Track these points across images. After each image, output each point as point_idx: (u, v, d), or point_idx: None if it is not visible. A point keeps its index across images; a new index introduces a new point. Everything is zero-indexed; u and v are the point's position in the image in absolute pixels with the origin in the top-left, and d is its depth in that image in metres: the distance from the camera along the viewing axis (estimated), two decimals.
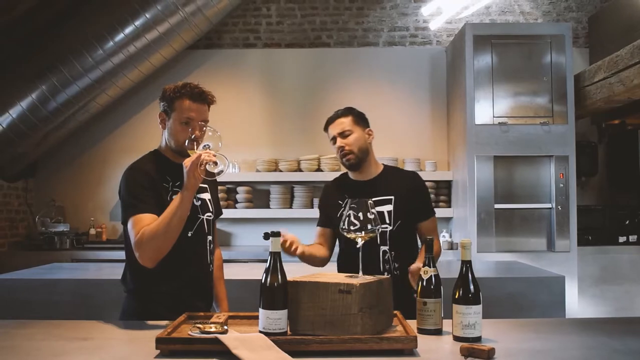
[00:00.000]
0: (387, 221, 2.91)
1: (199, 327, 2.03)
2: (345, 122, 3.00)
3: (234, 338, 1.93)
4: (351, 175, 3.09)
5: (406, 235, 2.95)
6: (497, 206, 5.57)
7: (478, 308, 2.12)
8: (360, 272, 2.24)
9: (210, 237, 2.71)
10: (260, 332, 2.01)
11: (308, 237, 6.22)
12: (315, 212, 6.03)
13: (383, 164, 3.12)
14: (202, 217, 2.65)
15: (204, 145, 2.41)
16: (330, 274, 2.23)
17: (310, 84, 6.58)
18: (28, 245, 6.18)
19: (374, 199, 2.82)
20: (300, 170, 6.29)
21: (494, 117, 5.65)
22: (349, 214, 2.31)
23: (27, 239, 6.31)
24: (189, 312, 2.35)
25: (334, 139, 3.01)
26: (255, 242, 6.20)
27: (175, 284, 2.55)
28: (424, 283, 2.22)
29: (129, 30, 5.57)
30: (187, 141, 2.43)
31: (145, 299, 2.56)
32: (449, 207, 6.25)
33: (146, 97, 6.47)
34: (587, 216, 6.00)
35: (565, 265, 5.40)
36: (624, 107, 5.77)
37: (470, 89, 5.66)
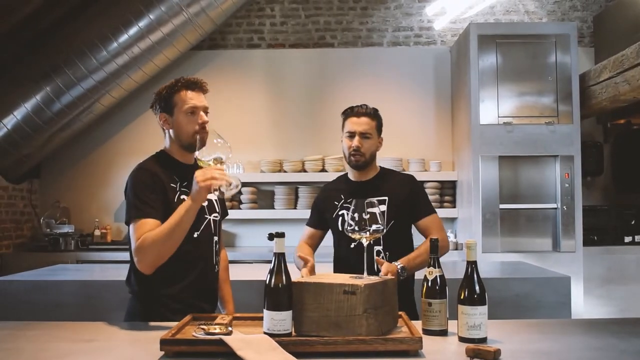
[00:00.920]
0: (380, 222, 2.89)
1: (203, 329, 2.02)
2: (371, 125, 3.01)
3: (239, 339, 1.92)
4: (350, 175, 3.13)
5: (400, 236, 2.97)
6: (502, 206, 5.56)
7: (484, 309, 2.11)
8: (365, 273, 2.24)
9: (216, 238, 2.70)
10: (265, 333, 2.01)
11: None
12: None
13: (380, 166, 3.15)
14: (209, 217, 2.65)
15: (216, 157, 2.39)
16: (334, 274, 2.23)
17: (314, 84, 6.57)
18: (33, 247, 6.19)
19: (368, 200, 2.83)
20: (304, 170, 6.29)
21: (498, 117, 5.63)
22: (354, 215, 2.29)
23: (32, 241, 6.31)
24: (194, 313, 2.34)
25: (351, 134, 3.01)
26: (259, 243, 6.20)
27: (180, 286, 2.55)
28: (429, 284, 2.21)
29: (133, 31, 5.58)
30: (196, 152, 2.42)
31: (150, 300, 2.55)
32: (454, 207, 6.23)
33: (150, 99, 6.34)
34: (593, 216, 5.98)
35: (570, 266, 5.38)
36: (629, 107, 5.75)
37: (474, 89, 5.65)
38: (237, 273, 2.97)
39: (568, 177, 5.56)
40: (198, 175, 2.34)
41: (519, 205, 5.61)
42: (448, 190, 6.30)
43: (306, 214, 6.07)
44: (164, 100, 2.59)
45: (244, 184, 6.29)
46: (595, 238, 5.91)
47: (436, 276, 2.21)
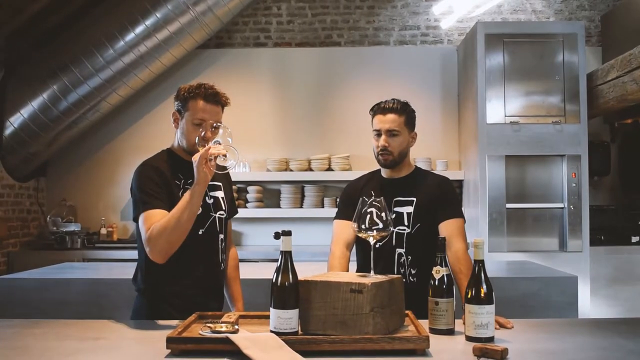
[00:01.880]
0: (406, 223, 2.80)
1: (209, 327, 2.02)
2: (398, 121, 2.84)
3: (245, 338, 1.92)
4: (382, 171, 2.98)
5: (426, 241, 2.73)
6: (508, 206, 5.54)
7: (491, 308, 2.10)
8: (372, 272, 2.23)
9: (222, 236, 2.69)
10: (272, 331, 2.01)
11: (318, 236, 6.27)
12: (325, 212, 6.15)
13: (415, 165, 3.02)
14: (214, 215, 2.65)
15: (214, 142, 2.40)
16: (341, 273, 2.22)
17: (320, 83, 6.57)
18: (39, 245, 6.20)
19: (396, 199, 2.81)
20: (310, 169, 6.28)
21: (505, 116, 5.61)
22: (363, 211, 2.27)
23: (39, 239, 6.32)
24: (200, 311, 2.34)
25: (378, 132, 2.86)
26: (265, 242, 6.20)
27: (185, 283, 2.55)
28: (436, 283, 2.20)
29: (139, 29, 5.58)
30: (197, 138, 2.43)
31: (156, 298, 2.56)
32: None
33: (157, 97, 6.48)
34: (600, 216, 5.96)
35: (577, 266, 5.36)
36: (637, 106, 5.72)
37: (481, 88, 5.63)
38: (244, 272, 2.96)
39: (575, 176, 5.54)
40: (195, 155, 2.35)
41: (526, 205, 5.59)
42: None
43: (312, 212, 6.23)
44: (180, 101, 2.59)
45: (250, 183, 6.31)
46: (602, 238, 5.88)
47: (443, 275, 2.21)
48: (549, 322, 2.53)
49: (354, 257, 2.93)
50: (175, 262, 2.46)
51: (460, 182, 6.29)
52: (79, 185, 6.59)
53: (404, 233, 2.80)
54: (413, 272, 2.80)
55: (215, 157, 2.32)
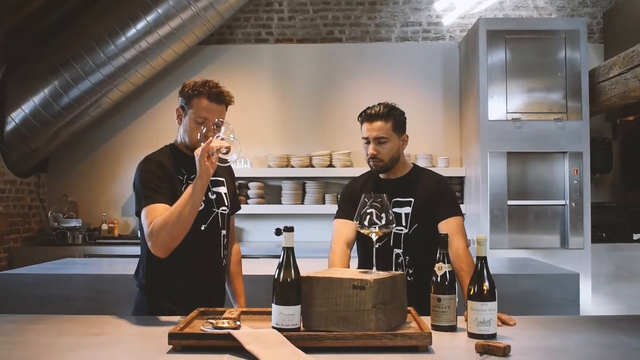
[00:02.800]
0: (404, 223, 2.79)
1: (211, 323, 2.02)
2: (384, 128, 2.80)
3: (247, 334, 1.92)
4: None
5: (423, 241, 2.74)
6: (510, 203, 5.53)
7: (493, 305, 2.10)
8: (374, 268, 2.22)
9: (224, 232, 2.69)
10: (273, 327, 2.00)
11: (319, 232, 6.28)
12: (327, 208, 6.16)
13: (413, 164, 2.99)
14: (216, 210, 2.64)
15: (216, 136, 2.39)
16: (344, 269, 2.22)
17: (322, 79, 6.56)
18: (40, 241, 6.21)
19: (394, 200, 2.81)
20: (312, 166, 6.28)
21: (507, 113, 5.60)
22: (365, 209, 2.27)
23: (40, 234, 6.33)
24: (201, 307, 2.34)
25: (367, 140, 2.84)
26: (267, 238, 6.20)
27: (187, 279, 2.55)
28: (438, 279, 2.20)
29: (140, 25, 5.57)
30: (199, 135, 2.43)
31: (157, 294, 2.56)
32: (462, 203, 6.20)
33: (158, 93, 6.47)
34: (601, 213, 5.95)
35: (578, 263, 5.36)
36: (639, 103, 5.71)
37: (483, 85, 5.62)
38: (245, 268, 2.96)
39: (577, 173, 5.54)
40: (197, 149, 2.35)
41: (527, 202, 5.58)
42: (456, 186, 6.28)
43: (314, 209, 6.22)
44: (184, 97, 2.58)
45: (252, 179, 6.30)
46: (604, 235, 5.88)
47: (445, 272, 2.20)
48: (551, 319, 2.52)
49: (354, 255, 2.91)
50: (177, 257, 2.45)
51: (461, 179, 6.29)
52: (80, 181, 6.59)
53: (401, 233, 2.79)
54: (411, 272, 2.80)
55: (217, 150, 2.32)
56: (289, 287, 2.02)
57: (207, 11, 5.68)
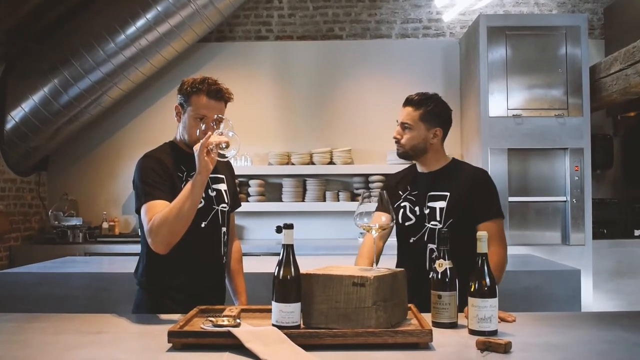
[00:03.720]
0: (438, 218, 2.72)
1: (211, 321, 2.01)
2: (412, 115, 2.78)
3: (247, 331, 1.91)
4: (417, 165, 2.92)
5: (459, 237, 2.49)
6: (511, 199, 5.52)
7: (494, 301, 2.09)
8: (375, 265, 2.22)
9: (224, 229, 2.68)
10: (273, 325, 2.00)
11: (320, 230, 6.27)
12: (327, 205, 6.16)
13: (452, 158, 2.91)
14: (216, 208, 2.64)
15: (215, 132, 2.38)
16: (344, 266, 2.20)
17: (322, 76, 6.55)
18: (41, 239, 6.21)
19: (429, 194, 2.79)
20: (312, 163, 6.27)
21: (508, 109, 5.59)
22: (361, 205, 2.26)
23: (40, 233, 6.33)
24: (201, 305, 2.33)
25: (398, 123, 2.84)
26: (267, 236, 6.19)
27: (187, 276, 2.54)
28: (439, 276, 2.19)
29: (140, 23, 5.57)
30: (197, 132, 2.42)
31: (157, 291, 2.55)
32: None
33: (158, 91, 6.47)
34: (602, 209, 5.94)
35: (580, 259, 5.35)
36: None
37: (484, 81, 5.61)
38: (245, 266, 2.95)
39: (578, 170, 5.53)
40: (196, 144, 2.34)
41: (528, 198, 5.58)
42: None
43: (314, 206, 6.22)
44: (183, 95, 2.57)
45: (252, 177, 6.29)
46: (605, 231, 5.87)
47: (446, 268, 2.19)
48: (552, 316, 2.52)
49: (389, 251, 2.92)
50: (177, 255, 2.44)
51: None
52: (81, 180, 6.59)
53: (435, 228, 2.71)
54: None
55: (217, 146, 2.31)
56: (289, 284, 2.01)
57: (206, 9, 5.67)
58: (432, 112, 2.80)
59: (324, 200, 6.22)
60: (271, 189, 6.42)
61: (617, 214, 6.05)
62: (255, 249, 5.66)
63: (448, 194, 2.74)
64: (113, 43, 5.61)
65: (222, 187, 2.70)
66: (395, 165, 5.87)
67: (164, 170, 2.50)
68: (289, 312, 1.99)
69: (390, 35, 6.62)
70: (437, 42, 6.59)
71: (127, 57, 5.68)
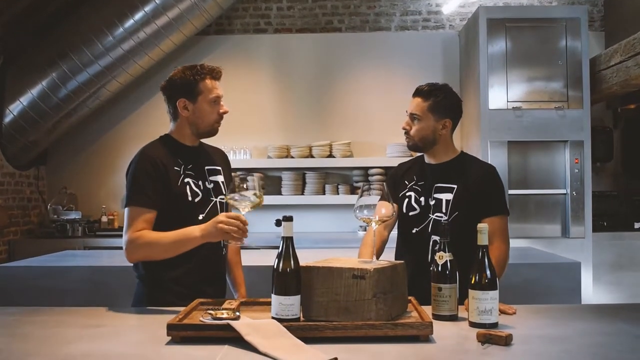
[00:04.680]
0: (444, 210, 2.70)
1: (210, 314, 2.00)
2: (420, 106, 2.74)
3: (246, 324, 1.91)
4: (425, 156, 2.88)
5: (463, 231, 2.49)
6: (511, 192, 5.52)
7: (495, 294, 2.08)
8: (374, 258, 2.21)
9: None
10: (273, 318, 1.99)
11: (319, 223, 6.25)
12: (327, 199, 6.14)
13: (461, 151, 2.89)
14: (214, 199, 2.63)
15: (243, 197, 2.34)
16: (344, 259, 2.19)
17: (321, 69, 6.53)
18: (40, 233, 6.21)
19: (436, 185, 2.77)
20: (312, 156, 6.26)
21: (508, 102, 5.58)
22: (360, 198, 2.24)
23: (39, 227, 6.32)
24: (200, 297, 2.33)
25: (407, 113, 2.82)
26: (267, 229, 6.18)
27: (186, 269, 2.54)
28: (439, 268, 2.18)
29: (138, 16, 5.55)
30: (230, 189, 2.37)
31: (156, 284, 2.55)
32: None
33: (156, 84, 6.31)
34: (602, 202, 5.94)
35: (579, 252, 5.35)
36: None
37: (483, 74, 5.60)
38: (245, 259, 2.95)
39: (578, 162, 5.52)
40: (222, 219, 2.33)
41: (528, 191, 5.57)
42: None
43: (314, 199, 6.21)
44: (188, 86, 2.56)
45: (252, 170, 6.28)
46: (605, 224, 5.87)
47: (446, 260, 2.19)
48: (553, 308, 2.51)
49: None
50: None
51: None
52: (80, 173, 6.58)
53: (440, 220, 2.68)
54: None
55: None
56: (289, 277, 2.01)
57: (205, 1, 5.65)
58: (442, 103, 2.76)
59: (324, 194, 6.21)
60: (270, 182, 6.41)
61: (617, 206, 6.05)
62: (254, 242, 5.64)
63: (455, 186, 2.73)
64: (111, 36, 5.59)
65: (220, 178, 2.70)
66: (395, 158, 5.88)
67: (158, 172, 2.50)
68: (289, 304, 1.98)
69: (390, 27, 6.60)
70: (436, 34, 6.57)
71: (125, 50, 5.67)
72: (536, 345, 1.88)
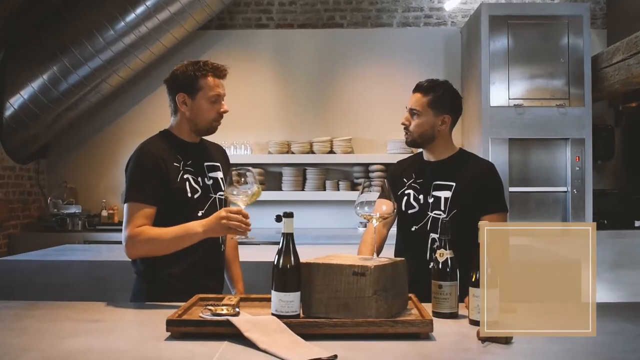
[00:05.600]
0: (442, 208, 2.69)
1: (210, 309, 2.00)
2: (420, 101, 2.73)
3: (246, 320, 1.90)
4: (423, 154, 2.87)
5: (462, 229, 2.44)
6: (512, 189, 5.51)
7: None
8: (375, 255, 2.20)
9: None
10: (273, 314, 1.98)
11: (320, 219, 6.24)
12: (327, 195, 6.14)
13: (460, 148, 2.87)
14: (213, 196, 2.63)
15: (241, 191, 2.34)
16: (344, 255, 2.19)
17: (323, 65, 6.52)
18: (40, 227, 6.20)
19: (435, 183, 2.77)
20: (312, 152, 6.25)
21: (509, 99, 5.57)
22: (361, 195, 2.23)
23: (39, 221, 6.32)
24: (199, 293, 2.32)
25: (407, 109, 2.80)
26: (267, 225, 6.13)
27: (185, 265, 2.53)
28: (440, 266, 2.17)
29: (140, 10, 5.53)
30: (227, 184, 2.36)
31: (155, 280, 2.54)
32: None
33: (157, 79, 6.38)
34: (603, 200, 5.92)
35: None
36: None
37: (485, 71, 5.58)
38: (245, 254, 2.94)
39: (579, 160, 5.51)
40: (225, 215, 2.34)
41: (529, 189, 5.56)
42: None
43: (314, 195, 6.20)
44: (188, 81, 2.55)
45: (252, 165, 6.26)
46: (606, 222, 5.85)
47: (447, 258, 2.18)
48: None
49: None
50: None
51: None
52: (80, 167, 6.57)
53: (439, 218, 2.68)
54: None
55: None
56: (289, 273, 2.00)
57: None
58: (441, 98, 2.75)
59: (324, 190, 6.20)
60: (271, 178, 6.40)
61: (617, 204, 6.03)
62: (256, 237, 5.63)
63: (454, 184, 2.71)
64: (112, 30, 5.58)
65: (219, 175, 2.69)
66: (396, 154, 5.86)
67: (158, 168, 2.49)
68: (289, 301, 1.97)
69: (392, 24, 6.58)
70: (438, 31, 6.55)
71: (126, 44, 5.65)
72: (537, 344, 1.87)
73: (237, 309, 2.03)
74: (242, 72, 6.33)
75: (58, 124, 6.08)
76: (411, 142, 2.81)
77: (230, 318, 1.91)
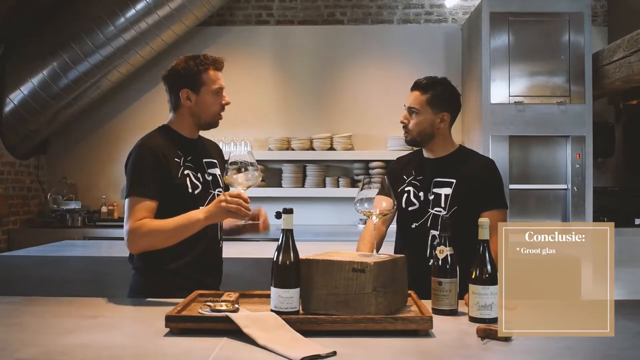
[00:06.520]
0: (443, 205, 2.69)
1: (209, 305, 2.00)
2: (419, 100, 2.73)
3: (245, 317, 1.90)
4: (423, 151, 2.87)
5: (462, 226, 2.45)
6: (512, 186, 5.50)
7: (495, 289, 2.07)
8: (375, 251, 2.20)
9: None
10: (272, 311, 1.98)
11: (320, 215, 6.23)
12: (327, 191, 6.13)
13: (459, 145, 2.87)
14: (213, 192, 2.62)
15: (243, 173, 2.36)
16: (344, 252, 2.18)
17: (323, 61, 6.51)
18: (40, 223, 6.21)
19: (435, 180, 2.76)
20: (312, 149, 6.24)
21: (510, 96, 5.56)
22: (361, 191, 2.22)
23: (39, 217, 6.32)
24: (198, 289, 2.32)
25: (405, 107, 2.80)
26: None
27: (184, 261, 2.53)
28: (440, 262, 2.17)
29: (140, 6, 5.53)
30: (226, 168, 2.38)
31: (153, 276, 2.54)
32: None
33: (157, 75, 6.31)
34: (603, 197, 5.92)
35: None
36: None
37: (486, 68, 5.57)
38: (245, 251, 2.95)
39: (579, 157, 5.50)
40: (225, 199, 2.33)
41: (529, 186, 5.55)
42: None
43: (314, 192, 6.20)
44: (191, 77, 2.55)
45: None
46: (606, 219, 5.85)
47: (447, 255, 2.18)
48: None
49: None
50: None
51: None
52: (80, 163, 6.57)
53: (439, 215, 2.68)
54: None
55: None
56: (288, 269, 2.00)
57: None
58: (440, 96, 2.75)
59: (324, 186, 6.20)
60: (271, 175, 6.40)
61: (618, 202, 6.03)
62: (255, 235, 5.63)
63: (454, 181, 2.71)
64: (112, 26, 5.57)
65: (217, 171, 2.69)
66: (396, 151, 5.86)
67: (159, 162, 2.48)
68: (288, 297, 1.97)
69: (392, 20, 6.58)
70: (439, 27, 6.55)
71: (126, 40, 5.65)
72: (536, 341, 1.87)
73: (237, 305, 2.03)
74: (242, 69, 6.33)
75: (58, 120, 6.08)
76: (411, 141, 2.81)
77: (229, 314, 1.90)
